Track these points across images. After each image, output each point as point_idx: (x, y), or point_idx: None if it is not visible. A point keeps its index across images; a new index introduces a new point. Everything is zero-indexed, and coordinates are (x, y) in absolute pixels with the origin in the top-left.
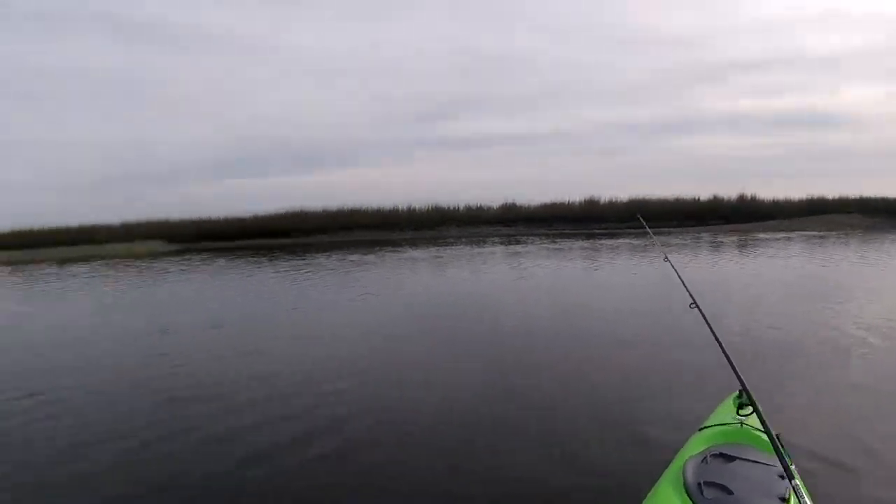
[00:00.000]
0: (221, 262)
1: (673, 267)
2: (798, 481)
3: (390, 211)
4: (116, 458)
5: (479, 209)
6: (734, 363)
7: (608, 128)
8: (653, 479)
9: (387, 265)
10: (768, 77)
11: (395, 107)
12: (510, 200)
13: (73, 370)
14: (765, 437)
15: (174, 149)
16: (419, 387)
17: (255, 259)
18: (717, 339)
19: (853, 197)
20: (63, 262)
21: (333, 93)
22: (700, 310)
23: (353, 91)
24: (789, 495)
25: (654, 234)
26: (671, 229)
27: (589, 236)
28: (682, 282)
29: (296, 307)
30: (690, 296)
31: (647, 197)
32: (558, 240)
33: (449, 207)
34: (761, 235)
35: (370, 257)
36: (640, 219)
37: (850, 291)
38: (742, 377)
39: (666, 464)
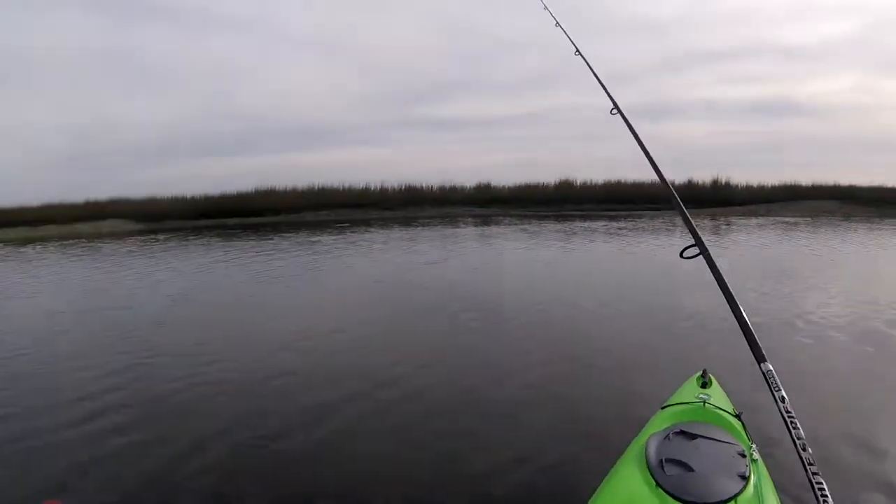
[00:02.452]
0: (176, 241)
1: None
2: (758, 458)
3: (362, 190)
4: None
5: (453, 189)
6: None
7: (586, 113)
8: (615, 456)
9: (352, 245)
10: (742, 65)
11: (380, 87)
12: (484, 181)
13: None
14: (726, 415)
15: (151, 127)
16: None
17: (220, 238)
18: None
19: (826, 185)
20: (24, 242)
21: (318, 72)
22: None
23: (337, 70)
24: (749, 473)
25: (627, 216)
26: (645, 212)
27: (563, 218)
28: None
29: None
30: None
31: (622, 180)
32: (532, 221)
33: (422, 187)
34: (737, 220)
35: (336, 237)
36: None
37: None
38: (760, 350)
39: (628, 441)
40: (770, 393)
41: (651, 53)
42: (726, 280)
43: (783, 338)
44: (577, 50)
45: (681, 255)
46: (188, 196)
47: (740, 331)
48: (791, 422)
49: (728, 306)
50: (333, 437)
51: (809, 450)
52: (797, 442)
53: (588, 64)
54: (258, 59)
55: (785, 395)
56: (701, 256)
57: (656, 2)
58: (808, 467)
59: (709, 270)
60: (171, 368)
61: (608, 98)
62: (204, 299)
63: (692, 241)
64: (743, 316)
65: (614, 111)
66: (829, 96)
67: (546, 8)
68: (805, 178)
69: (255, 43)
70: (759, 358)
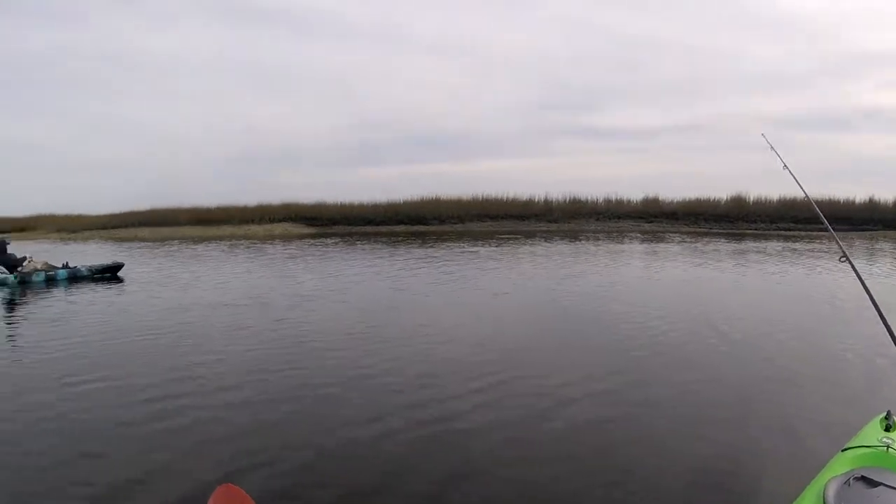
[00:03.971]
0: (358, 245)
1: (855, 271)
2: None
3: (526, 201)
4: None
5: (619, 202)
6: None
7: (756, 122)
8: (791, 497)
9: (515, 257)
10: None
11: (535, 96)
12: (652, 195)
13: None
14: None
15: (309, 135)
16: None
17: (388, 245)
18: None
19: None
20: (201, 240)
21: (471, 81)
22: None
23: (490, 79)
24: None
25: (800, 236)
26: (820, 232)
27: (736, 236)
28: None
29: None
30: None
31: (796, 196)
32: (702, 238)
33: (587, 200)
34: None
35: (500, 248)
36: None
37: None
38: None
39: (806, 482)
40: None
41: (817, 55)
42: None
43: None
44: (785, 165)
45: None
46: (356, 203)
47: None
48: None
49: None
50: None
51: None
52: None
53: (796, 180)
54: (416, 72)
55: None
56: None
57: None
58: None
59: None
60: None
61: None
62: (405, 297)
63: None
64: None
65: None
66: None
67: (772, 148)
68: None
69: (411, 55)
70: None
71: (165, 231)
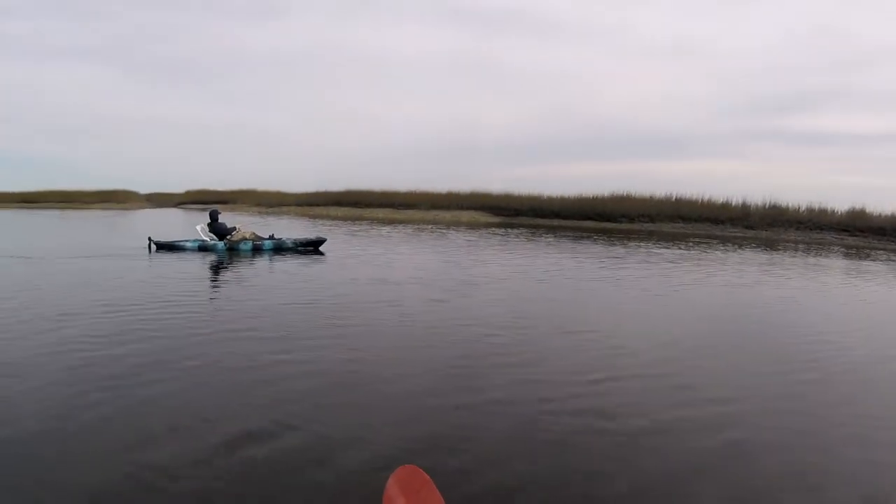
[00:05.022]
0: (549, 238)
1: None
2: None
3: (723, 204)
4: None
5: (822, 211)
6: None
7: None
8: None
9: (704, 264)
10: None
11: (734, 95)
12: (859, 206)
13: None
14: None
15: (501, 129)
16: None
17: (573, 240)
18: None
19: None
20: (390, 222)
21: (668, 80)
22: None
23: (697, 77)
24: None
25: None
26: None
27: None
28: None
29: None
30: None
31: None
32: None
33: (787, 207)
34: None
35: (689, 252)
36: None
37: None
38: None
39: None
40: None
41: None
42: None
43: None
44: None
45: None
46: (544, 195)
47: None
48: None
49: None
50: None
51: None
52: None
53: None
54: (609, 67)
55: None
56: None
57: None
58: None
59: None
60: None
61: None
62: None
63: None
64: None
65: None
66: None
67: None
68: None
69: (605, 50)
70: None
71: (356, 211)
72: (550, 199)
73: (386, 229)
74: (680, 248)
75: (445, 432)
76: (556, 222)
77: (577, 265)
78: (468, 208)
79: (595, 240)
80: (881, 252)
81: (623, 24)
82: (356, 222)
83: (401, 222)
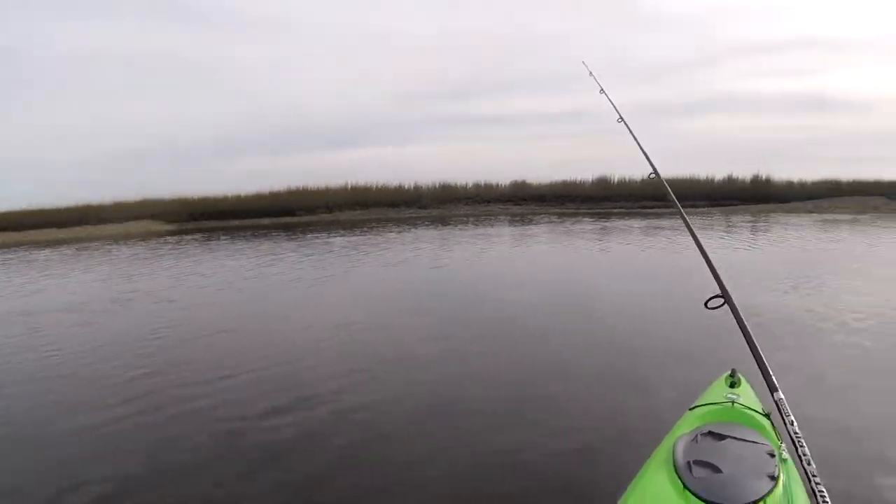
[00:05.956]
0: (224, 240)
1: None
2: (788, 458)
3: (396, 188)
4: None
5: (489, 186)
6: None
7: (627, 109)
8: (643, 458)
9: (386, 244)
10: (779, 58)
11: (409, 84)
12: (520, 178)
13: None
14: (756, 415)
15: (186, 128)
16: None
17: (252, 237)
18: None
19: (868, 180)
20: (53, 244)
21: (355, 71)
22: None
23: (374, 69)
24: (779, 473)
25: (663, 213)
26: (684, 209)
27: (603, 216)
28: (707, 259)
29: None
30: (715, 277)
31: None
32: (570, 218)
33: (456, 185)
34: (781, 217)
35: (367, 237)
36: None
37: None
38: (773, 381)
39: (656, 443)
40: (781, 418)
41: (686, 48)
42: (747, 324)
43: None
44: (621, 117)
45: (705, 305)
46: (220, 196)
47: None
48: (798, 441)
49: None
50: None
51: (813, 464)
52: (803, 458)
53: (631, 131)
54: (288, 58)
55: (794, 419)
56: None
57: None
58: (811, 478)
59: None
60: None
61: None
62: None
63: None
64: (760, 354)
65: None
66: (866, 91)
67: (591, 74)
68: (845, 173)
69: (285, 41)
70: (772, 388)
71: (10, 236)
72: (226, 199)
73: (45, 252)
74: (355, 235)
75: None
76: (234, 222)
77: (238, 265)
78: (141, 218)
79: (272, 237)
80: (543, 216)
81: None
82: (11, 249)
83: (65, 243)
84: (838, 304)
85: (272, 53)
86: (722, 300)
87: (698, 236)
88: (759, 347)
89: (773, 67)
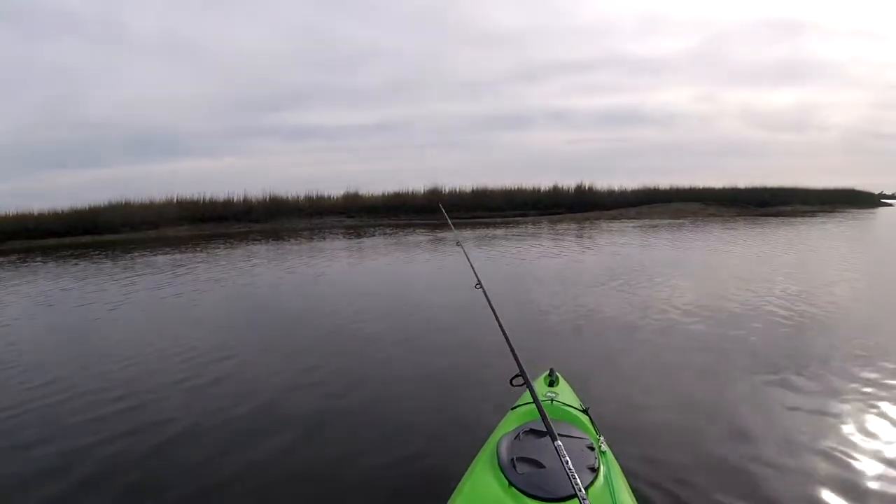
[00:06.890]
0: (38, 262)
1: (465, 253)
2: (607, 449)
3: (225, 201)
4: None
5: (321, 199)
6: (512, 343)
7: (447, 122)
8: (470, 458)
9: (215, 262)
10: (595, 76)
11: (234, 95)
12: (353, 189)
13: None
14: (574, 411)
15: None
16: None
17: (64, 261)
18: (499, 323)
19: (683, 187)
20: None
21: (171, 79)
22: (484, 291)
23: (189, 77)
24: (599, 464)
25: (498, 222)
26: (515, 218)
27: (436, 227)
28: (472, 266)
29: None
30: (476, 277)
31: (490, 187)
32: (402, 230)
33: (288, 198)
34: (604, 224)
35: (197, 254)
36: (442, 209)
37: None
38: (519, 357)
39: (482, 443)
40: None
41: (507, 63)
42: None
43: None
44: (479, 283)
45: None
46: (35, 213)
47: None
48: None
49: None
50: None
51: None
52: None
53: (488, 299)
54: (101, 64)
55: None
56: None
57: (513, 13)
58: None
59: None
60: None
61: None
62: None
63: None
64: (506, 335)
65: (477, 286)
66: (672, 106)
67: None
68: (663, 181)
69: (96, 47)
70: (522, 371)
71: None
72: (42, 216)
73: None
74: (178, 253)
75: None
76: (51, 241)
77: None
78: None
79: (89, 257)
80: (376, 228)
81: (109, 18)
82: None
83: None
84: (651, 302)
85: (73, 59)
86: (480, 287)
87: (465, 248)
88: (506, 330)
89: (590, 85)
